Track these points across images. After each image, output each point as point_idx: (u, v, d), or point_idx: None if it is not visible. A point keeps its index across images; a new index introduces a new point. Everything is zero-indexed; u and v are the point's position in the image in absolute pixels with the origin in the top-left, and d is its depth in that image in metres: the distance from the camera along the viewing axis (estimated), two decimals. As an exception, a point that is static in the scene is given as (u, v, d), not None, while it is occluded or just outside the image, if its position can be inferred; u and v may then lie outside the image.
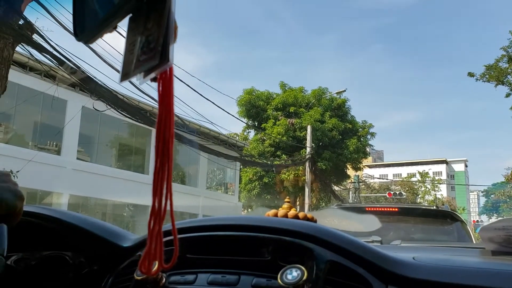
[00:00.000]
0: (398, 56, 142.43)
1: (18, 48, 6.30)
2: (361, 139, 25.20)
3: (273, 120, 24.20)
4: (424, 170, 48.41)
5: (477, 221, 49.50)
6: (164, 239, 0.55)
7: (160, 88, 0.53)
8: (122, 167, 18.82)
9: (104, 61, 7.38)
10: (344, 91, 24.71)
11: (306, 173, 19.34)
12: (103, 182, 16.33)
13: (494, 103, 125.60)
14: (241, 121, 25.17)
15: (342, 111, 25.22)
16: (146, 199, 17.32)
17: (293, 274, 0.83)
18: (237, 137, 26.88)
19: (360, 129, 25.45)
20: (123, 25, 0.53)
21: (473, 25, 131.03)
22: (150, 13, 0.50)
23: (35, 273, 1.08)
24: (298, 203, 22.48)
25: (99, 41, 0.57)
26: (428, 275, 0.83)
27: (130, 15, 0.52)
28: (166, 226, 0.56)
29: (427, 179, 46.07)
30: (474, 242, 3.22)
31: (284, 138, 23.00)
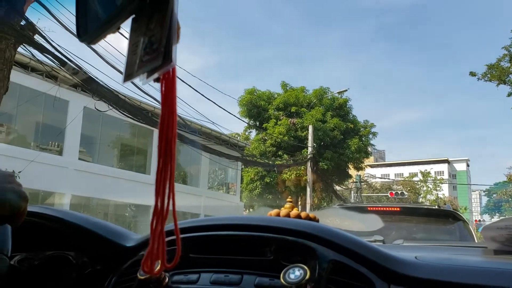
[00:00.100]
0: (400, 56, 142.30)
1: (19, 49, 6.31)
2: (363, 138, 25.19)
3: (275, 120, 24.20)
4: (426, 170, 48.30)
5: (479, 220, 49.40)
6: (167, 239, 0.55)
7: (163, 89, 0.53)
8: (124, 167, 18.85)
9: (106, 61, 7.40)
10: (346, 90, 24.79)
11: (307, 173, 19.33)
12: (105, 182, 16.35)
13: (495, 103, 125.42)
14: (243, 121, 25.22)
15: (344, 110, 25.22)
16: (148, 199, 17.33)
17: (295, 273, 0.83)
18: (238, 137, 26.89)
19: (361, 129, 25.44)
20: (126, 26, 0.53)
21: (475, 24, 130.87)
22: (153, 14, 0.50)
23: (39, 273, 1.09)
24: (300, 203, 22.47)
25: (101, 41, 0.57)
26: (430, 274, 0.83)
27: (133, 16, 0.52)
28: (169, 226, 0.56)
29: (429, 178, 46.00)
30: (476, 241, 3.22)
31: (286, 138, 23.00)
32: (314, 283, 0.83)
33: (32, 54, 7.16)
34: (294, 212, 1.40)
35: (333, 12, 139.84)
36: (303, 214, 1.38)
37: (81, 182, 15.48)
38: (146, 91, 9.21)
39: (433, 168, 59.13)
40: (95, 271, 1.08)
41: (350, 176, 27.02)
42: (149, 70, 0.50)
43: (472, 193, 78.33)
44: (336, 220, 3.09)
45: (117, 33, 0.55)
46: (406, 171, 66.15)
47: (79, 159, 16.44)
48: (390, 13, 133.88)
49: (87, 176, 15.85)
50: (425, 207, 4.13)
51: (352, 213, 3.54)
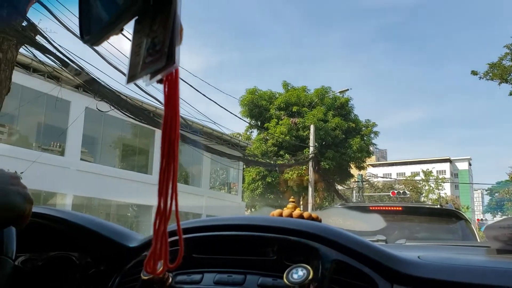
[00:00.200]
0: (402, 55, 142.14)
1: (21, 50, 6.32)
2: (365, 138, 25.14)
3: (276, 120, 24.17)
4: (428, 169, 48.18)
5: (481, 219, 49.31)
6: (170, 239, 0.55)
7: (166, 90, 0.53)
8: (126, 168, 18.86)
9: (107, 62, 7.40)
10: (347, 90, 24.69)
11: (309, 173, 19.32)
12: (107, 183, 16.37)
13: (497, 101, 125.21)
14: (244, 120, 25.19)
15: (345, 110, 25.18)
16: (149, 199, 17.41)
17: (299, 273, 0.83)
18: (240, 137, 26.88)
19: (363, 128, 25.39)
20: (129, 27, 0.53)
21: (476, 23, 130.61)
22: (156, 15, 0.50)
23: (43, 274, 1.09)
24: (301, 202, 22.46)
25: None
26: (433, 273, 0.83)
27: (136, 17, 0.52)
28: (172, 226, 0.56)
29: (431, 177, 45.91)
30: (478, 240, 3.21)
31: (287, 137, 22.98)
32: (317, 283, 0.83)
33: (34, 55, 7.17)
34: (297, 212, 1.40)
35: (334, 12, 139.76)
36: (305, 214, 1.38)
37: (83, 183, 15.50)
38: (148, 91, 9.20)
39: (435, 167, 59.10)
40: (99, 271, 1.09)
41: (352, 176, 26.98)
42: (152, 71, 0.50)
43: (474, 192, 78.21)
44: (339, 220, 3.09)
45: (118, 34, 0.55)
46: (408, 170, 66.01)
47: (81, 159, 16.46)
48: (391, 13, 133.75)
49: (89, 176, 15.87)
50: (427, 206, 4.11)
51: (355, 213, 3.54)
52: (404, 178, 49.76)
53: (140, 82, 0.53)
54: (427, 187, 42.91)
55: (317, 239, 0.91)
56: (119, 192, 16.83)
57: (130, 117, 9.95)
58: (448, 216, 3.46)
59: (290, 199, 1.51)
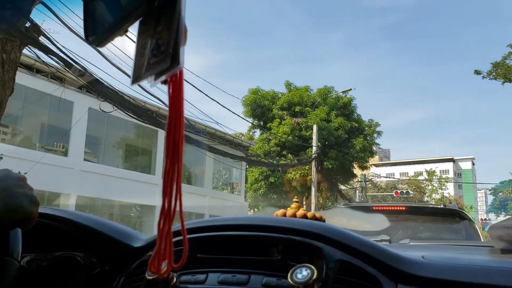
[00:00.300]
0: (405, 54, 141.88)
1: (24, 51, 6.34)
2: (368, 138, 25.11)
3: (279, 120, 24.17)
4: (431, 169, 48.09)
5: (485, 219, 49.19)
6: (174, 239, 0.55)
7: (171, 91, 0.53)
8: (129, 168, 18.89)
9: (110, 62, 7.41)
10: (350, 90, 24.64)
11: (312, 173, 19.30)
12: (110, 183, 16.40)
13: (501, 101, 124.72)
14: (247, 121, 25.21)
15: (348, 110, 25.15)
16: (152, 200, 17.44)
17: (303, 273, 0.84)
18: (242, 137, 26.88)
19: (366, 128, 25.36)
20: (133, 28, 0.54)
21: (480, 23, 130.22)
22: (160, 16, 0.50)
23: (48, 274, 1.09)
24: (305, 202, 22.45)
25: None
26: (437, 273, 0.83)
27: (141, 18, 0.52)
28: (176, 226, 0.56)
29: (434, 177, 45.81)
30: (482, 240, 3.21)
31: (290, 137, 22.97)
32: (322, 283, 0.83)
33: (37, 56, 7.19)
34: (301, 212, 1.40)
35: (337, 12, 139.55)
36: (309, 214, 1.38)
37: (87, 183, 15.53)
38: (151, 92, 9.21)
39: (438, 167, 58.90)
40: (104, 271, 1.09)
41: (355, 176, 26.95)
42: (157, 72, 0.50)
43: (477, 191, 78.01)
44: (342, 219, 3.09)
45: (123, 35, 0.55)
46: (411, 170, 65.87)
47: (84, 160, 16.50)
48: (394, 12, 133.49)
49: (92, 176, 15.91)
50: (431, 206, 4.11)
51: (358, 213, 3.54)
52: (407, 178, 49.67)
53: (144, 83, 0.53)
54: (430, 187, 42.82)
55: (321, 239, 0.91)
56: (122, 193, 16.86)
57: (133, 117, 9.96)
58: (451, 216, 3.45)
59: (294, 199, 1.52)
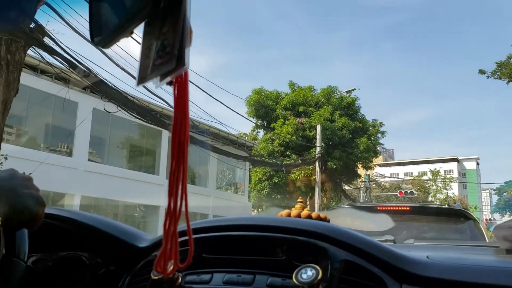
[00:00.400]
0: (409, 54, 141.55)
1: (29, 51, 6.36)
2: (372, 138, 25.05)
3: (282, 120, 24.15)
4: (436, 169, 47.90)
5: (490, 219, 49.03)
6: (180, 239, 0.55)
7: (176, 92, 0.53)
8: (133, 168, 18.93)
9: (115, 63, 7.43)
10: (354, 89, 24.62)
11: (316, 173, 19.28)
12: (115, 183, 16.44)
13: (506, 101, 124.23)
14: (250, 121, 25.18)
15: (352, 109, 25.10)
16: (156, 200, 17.47)
17: (308, 273, 0.84)
18: (246, 137, 26.88)
19: (370, 128, 25.30)
20: (138, 29, 0.54)
21: (484, 22, 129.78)
22: (165, 17, 0.51)
23: (53, 274, 1.10)
24: (308, 202, 22.42)
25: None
26: (442, 273, 0.83)
27: (146, 20, 0.52)
28: (181, 226, 0.57)
29: (438, 177, 45.65)
30: (487, 240, 3.19)
31: (294, 137, 22.94)
32: (326, 283, 0.83)
33: (42, 57, 7.21)
34: (305, 212, 1.40)
35: (340, 11, 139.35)
36: (313, 214, 1.38)
37: (91, 183, 15.57)
38: (155, 92, 9.22)
39: (442, 167, 58.72)
40: (109, 271, 1.09)
41: (359, 176, 26.90)
42: (162, 73, 0.50)
43: (482, 191, 77.73)
44: (347, 220, 3.08)
45: (129, 37, 0.55)
46: (415, 170, 65.66)
47: (89, 160, 16.54)
48: (398, 12, 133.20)
49: (96, 177, 15.95)
50: (435, 206, 4.10)
51: (362, 213, 3.53)
52: (412, 178, 49.54)
53: (149, 84, 0.53)
54: (434, 187, 42.65)
55: (326, 239, 0.91)
56: (126, 193, 16.90)
57: (137, 118, 9.99)
58: (456, 216, 3.44)
59: (298, 199, 1.52)
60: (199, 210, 19.20)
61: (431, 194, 41.32)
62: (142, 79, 0.53)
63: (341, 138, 23.49)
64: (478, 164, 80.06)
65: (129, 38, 0.57)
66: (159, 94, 9.91)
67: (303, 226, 0.96)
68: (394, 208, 3.54)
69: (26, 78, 10.58)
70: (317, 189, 19.01)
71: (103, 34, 0.57)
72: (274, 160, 21.89)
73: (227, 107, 14.34)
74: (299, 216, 1.39)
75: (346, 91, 24.58)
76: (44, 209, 0.81)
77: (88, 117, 14.52)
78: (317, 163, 19.23)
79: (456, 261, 0.90)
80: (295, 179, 22.69)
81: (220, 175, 24.81)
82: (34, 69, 13.43)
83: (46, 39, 6.45)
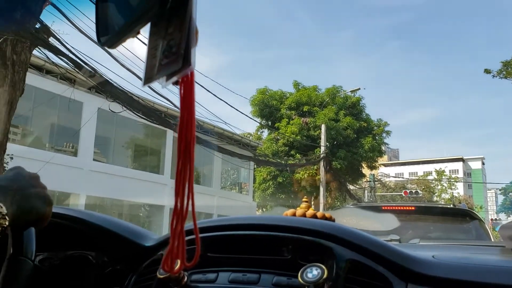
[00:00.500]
0: (414, 54, 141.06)
1: (34, 52, 6.39)
2: (376, 137, 25.01)
3: (287, 120, 24.14)
4: (441, 168, 47.73)
5: (495, 219, 48.79)
6: (186, 238, 0.56)
7: (182, 91, 0.53)
8: (138, 168, 18.98)
9: (120, 63, 7.45)
10: (359, 89, 24.56)
11: (320, 173, 19.26)
12: (119, 183, 16.48)
13: (511, 100, 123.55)
14: (255, 120, 25.20)
15: (357, 109, 25.06)
16: (161, 199, 17.49)
17: (313, 272, 0.84)
18: (250, 137, 26.89)
19: (375, 128, 25.26)
20: (143, 29, 0.54)
21: (490, 21, 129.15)
22: (171, 18, 0.51)
23: (59, 272, 1.10)
24: (313, 202, 22.40)
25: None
26: (448, 273, 0.83)
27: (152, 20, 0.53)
28: (188, 225, 0.57)
29: (443, 177, 45.49)
30: (492, 240, 3.18)
31: (298, 137, 22.93)
32: (332, 282, 0.83)
33: (47, 57, 7.25)
34: (310, 211, 1.40)
35: (345, 11, 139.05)
36: (319, 214, 1.38)
37: (96, 183, 15.63)
38: (159, 92, 9.25)
39: (447, 167, 58.54)
40: (115, 270, 1.10)
41: (364, 175, 26.85)
42: (169, 73, 0.51)
43: (487, 191, 77.38)
44: (352, 219, 3.08)
45: (135, 37, 0.56)
46: (420, 169, 65.46)
47: (94, 160, 16.60)
48: (403, 12, 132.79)
49: (101, 176, 16.00)
50: (440, 206, 4.09)
51: (367, 213, 3.53)
52: (417, 178, 49.35)
53: (154, 83, 0.53)
54: (439, 187, 42.52)
55: (331, 238, 0.91)
56: (131, 192, 16.95)
57: (142, 117, 10.02)
58: (461, 216, 3.43)
59: (303, 199, 1.52)
60: (204, 209, 19.22)
61: (436, 194, 41.18)
62: (148, 79, 0.53)
63: (345, 138, 23.46)
64: (483, 164, 79.73)
65: (134, 38, 0.58)
66: (164, 94, 9.94)
67: (309, 225, 0.96)
68: (399, 208, 3.54)
69: (32, 78, 10.62)
70: (321, 189, 18.99)
71: (109, 35, 0.57)
72: (279, 160, 21.87)
73: (231, 106, 14.35)
74: (304, 215, 1.39)
75: (350, 91, 24.56)
76: (51, 208, 0.81)
77: (93, 117, 14.57)
78: (321, 163, 19.21)
79: (462, 261, 0.90)
80: (300, 178, 22.68)
81: (224, 175, 24.83)
82: (39, 69, 13.49)
83: (52, 40, 6.48)
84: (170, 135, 18.71)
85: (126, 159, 19.33)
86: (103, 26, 0.57)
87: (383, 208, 3.65)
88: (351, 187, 26.13)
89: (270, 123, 25.36)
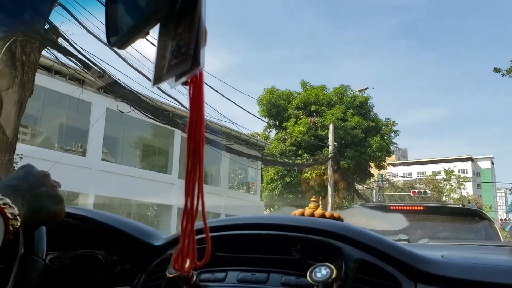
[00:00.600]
0: (423, 52, 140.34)
1: (43, 52, 6.43)
2: (385, 137, 24.90)
3: (295, 119, 24.11)
4: (449, 168, 47.46)
5: (505, 219, 48.35)
6: (196, 237, 0.56)
7: (191, 92, 0.53)
8: (146, 168, 19.05)
9: (128, 63, 7.48)
10: (367, 88, 24.45)
11: (328, 172, 19.22)
12: (128, 183, 16.56)
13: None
14: (262, 120, 25.18)
15: (365, 109, 24.97)
16: (169, 199, 17.53)
17: (322, 272, 0.84)
18: (258, 137, 26.89)
19: (383, 127, 25.15)
20: (152, 30, 0.54)
21: (499, 20, 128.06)
22: (180, 18, 0.51)
23: (69, 272, 1.11)
24: (321, 202, 22.34)
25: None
26: (457, 273, 0.82)
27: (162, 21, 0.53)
28: (197, 224, 0.57)
29: (452, 177, 45.20)
30: (502, 240, 3.16)
31: (306, 137, 22.89)
32: (341, 282, 0.83)
33: (56, 57, 7.29)
34: (319, 211, 1.40)
35: (352, 10, 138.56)
36: (327, 213, 1.38)
37: (104, 183, 15.71)
38: (167, 92, 9.27)
39: (456, 166, 58.18)
40: (125, 269, 1.11)
41: (372, 175, 26.74)
42: (178, 73, 0.51)
43: (497, 191, 76.75)
44: (360, 219, 3.07)
45: (144, 37, 0.56)
46: (429, 169, 65.07)
47: (102, 159, 16.69)
48: (412, 10, 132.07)
49: (110, 176, 16.08)
50: (449, 206, 4.07)
51: (376, 212, 3.52)
52: (425, 178, 49.09)
53: (163, 84, 0.54)
54: (448, 187, 42.26)
55: (340, 238, 0.91)
56: (139, 192, 17.02)
57: (150, 117, 10.05)
58: (470, 215, 3.41)
59: (312, 199, 1.52)
60: (212, 209, 19.25)
61: (445, 194, 40.94)
62: (157, 79, 0.53)
63: (353, 138, 23.38)
64: (493, 163, 79.10)
65: (143, 39, 0.58)
66: (172, 94, 9.96)
67: (317, 225, 0.96)
68: (408, 207, 3.52)
69: (41, 79, 10.71)
70: (329, 188, 18.95)
71: (119, 35, 0.57)
72: (286, 160, 21.84)
73: (239, 106, 14.37)
74: (312, 215, 1.39)
75: (358, 90, 24.45)
76: (61, 206, 0.80)
77: (102, 117, 14.64)
78: (329, 163, 19.16)
79: (472, 261, 0.90)
80: (308, 178, 22.65)
81: (232, 175, 24.85)
82: (48, 69, 13.59)
83: (60, 40, 6.52)
84: (178, 135, 18.76)
85: (134, 159, 19.41)
86: (113, 27, 0.57)
87: (392, 208, 3.64)
88: (359, 187, 26.04)
89: (277, 122, 25.34)
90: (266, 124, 26.26)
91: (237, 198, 23.26)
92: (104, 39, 0.58)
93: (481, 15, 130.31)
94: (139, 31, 0.54)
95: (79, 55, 6.85)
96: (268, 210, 26.73)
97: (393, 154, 34.88)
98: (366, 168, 25.14)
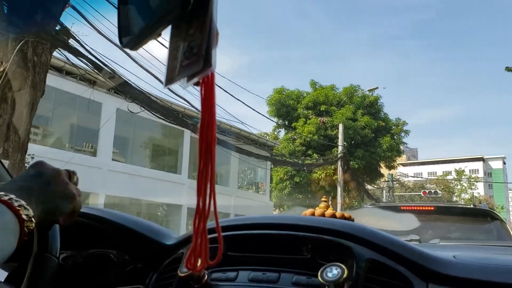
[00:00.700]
0: (433, 52, 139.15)
1: (55, 53, 6.49)
2: (395, 137, 24.79)
3: (304, 119, 24.09)
4: (460, 168, 47.05)
5: (517, 220, 47.84)
6: (208, 237, 0.56)
7: (203, 92, 0.54)
8: (156, 168, 19.15)
9: (139, 64, 7.53)
10: (377, 88, 24.35)
11: (338, 172, 19.17)
12: (138, 182, 16.66)
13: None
14: (272, 120, 25.19)
15: (375, 108, 24.88)
16: (179, 199, 17.59)
17: (333, 272, 0.84)
18: (267, 137, 26.89)
19: (393, 127, 25.04)
20: (164, 31, 0.55)
21: (510, 19, 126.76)
22: (192, 19, 0.51)
23: (82, 270, 1.12)
24: (331, 202, 22.27)
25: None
26: (469, 273, 0.82)
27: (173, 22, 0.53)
28: (209, 224, 0.58)
29: (463, 177, 44.83)
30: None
31: (315, 137, 22.86)
32: (352, 282, 0.83)
33: (67, 58, 7.35)
34: (329, 211, 1.40)
35: (362, 9, 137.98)
36: (338, 213, 1.38)
37: (115, 182, 15.82)
38: (177, 93, 9.31)
39: (467, 166, 57.70)
40: (136, 268, 1.12)
41: (382, 175, 26.62)
42: (190, 74, 0.51)
43: (509, 191, 75.98)
44: (371, 219, 3.07)
45: (156, 39, 0.56)
46: (439, 169, 64.60)
47: (113, 159, 16.81)
48: (421, 9, 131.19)
49: (120, 176, 16.19)
50: (460, 206, 4.04)
51: (386, 213, 3.51)
52: (436, 178, 48.72)
53: (174, 85, 0.54)
54: (459, 187, 41.92)
55: (351, 238, 0.91)
56: (149, 192, 17.11)
57: (160, 118, 10.10)
58: (482, 216, 3.39)
59: (322, 199, 1.52)
60: (221, 209, 19.15)
61: (455, 194, 40.62)
62: (169, 80, 0.54)
63: (363, 137, 23.31)
64: (504, 163, 78.31)
65: (154, 40, 0.59)
66: (182, 94, 10.00)
67: (328, 225, 0.96)
68: (419, 208, 3.50)
69: (52, 80, 10.80)
70: (339, 188, 18.91)
71: (131, 37, 0.58)
72: (296, 160, 21.82)
73: (248, 106, 14.39)
74: (323, 215, 1.40)
75: (368, 90, 24.38)
76: (75, 204, 0.79)
77: (112, 117, 14.74)
78: (339, 163, 19.12)
79: (483, 261, 0.89)
80: (317, 178, 22.61)
81: (241, 175, 24.89)
82: (59, 70, 13.71)
83: (72, 41, 6.57)
84: (188, 135, 18.83)
85: (144, 159, 19.52)
86: (124, 28, 0.58)
87: (402, 208, 3.62)
88: (369, 187, 25.94)
89: (287, 122, 25.34)
90: (275, 124, 26.27)
91: (247, 198, 23.28)
92: (115, 40, 0.59)
93: (493, 14, 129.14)
94: (151, 32, 0.54)
95: (90, 56, 6.90)
96: (277, 210, 26.72)
97: (403, 154, 34.72)
98: (376, 168, 25.05)
